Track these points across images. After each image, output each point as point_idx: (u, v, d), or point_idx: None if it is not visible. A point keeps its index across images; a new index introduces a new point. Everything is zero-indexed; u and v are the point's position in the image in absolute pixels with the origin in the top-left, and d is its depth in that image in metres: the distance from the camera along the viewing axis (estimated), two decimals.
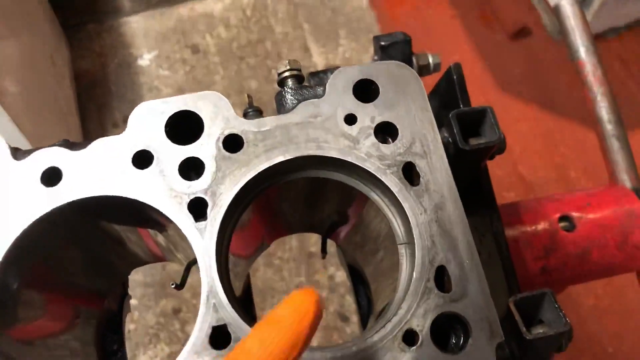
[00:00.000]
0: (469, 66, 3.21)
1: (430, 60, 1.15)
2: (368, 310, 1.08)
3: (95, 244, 0.77)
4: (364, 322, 1.09)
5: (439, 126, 0.90)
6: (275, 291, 2.78)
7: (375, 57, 1.15)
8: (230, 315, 0.62)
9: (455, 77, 0.98)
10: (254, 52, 3.37)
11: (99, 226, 0.74)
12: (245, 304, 0.99)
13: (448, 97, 1.01)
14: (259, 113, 0.99)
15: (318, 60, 3.42)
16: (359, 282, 1.07)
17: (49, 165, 0.66)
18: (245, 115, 1.03)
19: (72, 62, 3.21)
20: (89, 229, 0.73)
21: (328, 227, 0.97)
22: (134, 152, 0.68)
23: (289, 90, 0.75)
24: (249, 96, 1.08)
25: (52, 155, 0.67)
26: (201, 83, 3.31)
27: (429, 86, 1.08)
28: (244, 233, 0.75)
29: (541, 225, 1.08)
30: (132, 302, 2.61)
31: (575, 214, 1.10)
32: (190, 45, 3.42)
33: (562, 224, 1.10)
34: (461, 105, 0.97)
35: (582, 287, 2.58)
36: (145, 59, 3.42)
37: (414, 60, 1.14)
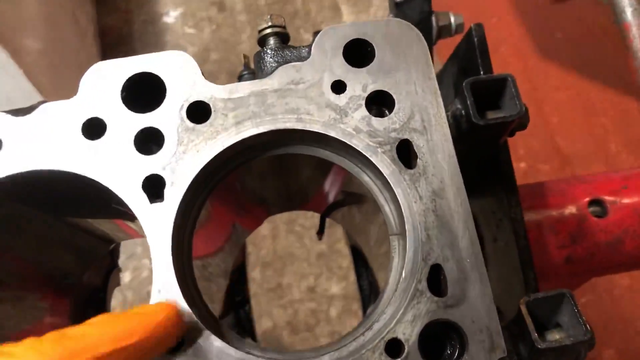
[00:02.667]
0: (507, 30, 3.02)
1: (452, 20, 1.02)
2: (370, 293, 0.99)
3: (45, 234, 0.69)
4: (364, 306, 1.00)
5: (455, 95, 0.78)
6: (295, 258, 2.72)
7: (390, 17, 1.03)
8: (185, 313, 0.53)
9: (475, 39, 0.85)
10: (282, 11, 3.24)
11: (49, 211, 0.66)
12: (235, 288, 0.91)
13: (467, 63, 0.89)
14: (254, 76, 0.89)
15: (348, 21, 3.27)
16: (361, 265, 0.98)
17: None
18: (240, 78, 0.93)
19: (97, 18, 3.15)
20: (38, 216, 0.65)
21: (327, 208, 0.87)
22: (85, 120, 0.58)
23: (268, 50, 0.64)
24: (245, 56, 0.98)
25: None
26: (227, 42, 3.21)
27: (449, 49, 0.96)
28: (208, 227, 0.65)
29: (568, 210, 0.97)
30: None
31: (608, 198, 0.97)
32: (216, 2, 3.32)
33: (592, 209, 0.97)
34: (481, 72, 0.85)
35: None
36: (171, 17, 3.33)
37: (433, 19, 1.02)
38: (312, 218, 2.75)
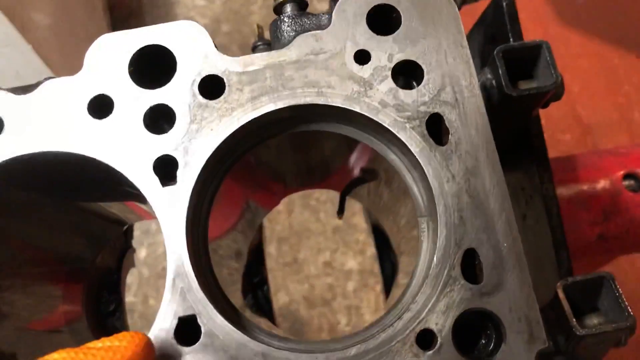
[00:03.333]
0: None
1: None
2: (392, 275, 0.95)
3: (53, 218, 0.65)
4: (387, 288, 0.97)
5: (483, 65, 0.73)
6: (311, 232, 2.69)
7: None
8: (201, 304, 0.50)
9: (504, 4, 0.80)
10: None
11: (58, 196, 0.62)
12: (252, 268, 0.87)
13: (495, 29, 0.84)
14: (269, 47, 0.85)
15: None
16: (383, 245, 0.94)
17: None
18: (254, 49, 0.88)
19: None
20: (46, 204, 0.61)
21: (347, 185, 0.83)
22: (91, 97, 0.54)
23: (285, 18, 0.59)
24: (258, 26, 0.93)
25: None
26: (238, 13, 3.15)
27: (474, 16, 0.91)
28: (218, 205, 0.61)
29: (601, 184, 0.92)
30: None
31: None
32: None
33: (626, 183, 0.93)
34: (511, 40, 0.80)
35: None
36: None
37: None
38: (327, 192, 2.71)
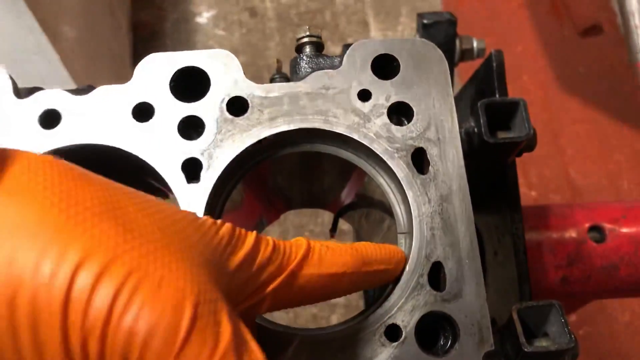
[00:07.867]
0: (531, 59, 3.06)
1: (475, 44, 1.09)
2: (374, 296, 1.04)
3: None
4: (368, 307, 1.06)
5: (470, 114, 0.84)
6: None
7: (417, 36, 1.10)
8: None
9: (494, 64, 0.91)
10: (311, 22, 3.32)
11: None
12: None
13: (485, 86, 0.95)
14: (285, 80, 0.96)
15: (376, 36, 3.34)
16: None
17: (49, 107, 0.65)
18: (272, 80, 1.00)
19: (132, 13, 3.23)
20: None
21: (342, 208, 0.93)
22: (135, 103, 0.65)
23: (304, 57, 0.71)
24: (278, 61, 1.04)
25: (53, 98, 0.65)
26: (255, 47, 3.28)
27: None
28: (239, 212, 0.72)
29: (568, 233, 1.02)
30: None
31: (607, 225, 1.02)
32: (249, 7, 3.39)
33: (591, 234, 1.03)
34: (497, 95, 0.91)
35: (619, 302, 2.47)
36: (203, 17, 3.41)
37: (457, 42, 1.08)
38: (321, 225, 2.80)
